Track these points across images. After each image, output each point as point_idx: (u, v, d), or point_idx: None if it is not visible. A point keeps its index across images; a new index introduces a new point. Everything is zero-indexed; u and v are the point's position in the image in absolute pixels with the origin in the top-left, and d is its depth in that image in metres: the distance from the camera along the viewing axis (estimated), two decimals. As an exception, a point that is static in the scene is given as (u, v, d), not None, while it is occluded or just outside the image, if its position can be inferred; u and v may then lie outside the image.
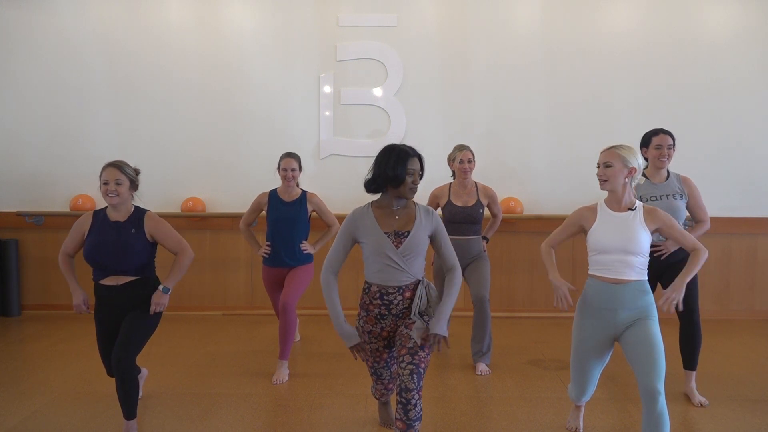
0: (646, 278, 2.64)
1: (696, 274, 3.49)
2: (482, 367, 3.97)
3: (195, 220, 5.50)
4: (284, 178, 4.02)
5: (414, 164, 2.62)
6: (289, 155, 4.07)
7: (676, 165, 3.59)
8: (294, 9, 5.46)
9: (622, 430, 3.16)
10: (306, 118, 5.52)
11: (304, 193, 4.11)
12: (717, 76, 5.38)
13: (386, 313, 2.66)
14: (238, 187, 5.49)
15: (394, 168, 2.59)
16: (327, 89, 5.51)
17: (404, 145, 2.68)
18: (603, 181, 2.65)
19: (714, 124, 5.39)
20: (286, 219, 3.98)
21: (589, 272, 2.69)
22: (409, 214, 2.68)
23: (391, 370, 2.83)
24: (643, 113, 5.37)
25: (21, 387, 3.69)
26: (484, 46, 5.44)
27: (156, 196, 5.24)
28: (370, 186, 2.68)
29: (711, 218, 3.56)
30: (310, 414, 3.33)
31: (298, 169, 4.06)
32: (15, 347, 4.56)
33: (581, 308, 2.73)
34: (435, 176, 5.04)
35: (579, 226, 2.73)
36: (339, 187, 5.44)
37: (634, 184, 2.65)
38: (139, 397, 3.37)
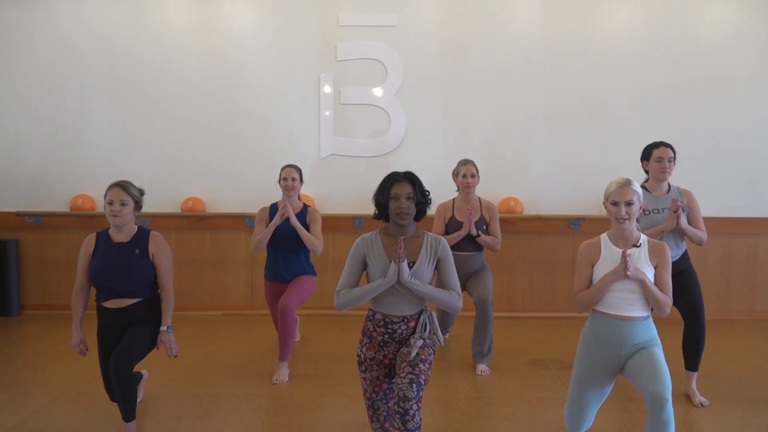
0: (650, 314, 2.62)
1: (696, 276, 3.53)
2: (482, 367, 3.96)
3: (195, 220, 5.50)
4: (285, 188, 3.98)
5: (399, 188, 2.51)
6: (290, 166, 4.04)
7: (676, 165, 3.58)
8: (294, 9, 5.46)
9: (622, 430, 3.16)
10: (306, 118, 5.52)
11: (305, 207, 4.05)
12: (717, 76, 5.37)
13: (390, 340, 2.59)
14: (238, 187, 5.49)
15: (376, 194, 2.56)
16: (327, 89, 5.50)
17: (403, 171, 2.59)
18: (624, 220, 2.55)
19: (714, 124, 5.39)
20: (286, 233, 3.90)
21: (594, 307, 2.67)
22: (417, 243, 2.60)
23: (389, 405, 2.71)
24: (644, 113, 5.37)
25: (21, 387, 3.69)
26: (484, 46, 5.43)
27: (156, 196, 5.23)
28: (375, 213, 2.64)
29: (711, 218, 3.60)
30: (310, 414, 3.33)
31: (299, 179, 4.01)
32: (15, 347, 4.56)
33: (585, 340, 2.70)
34: (435, 177, 5.05)
35: (590, 262, 2.65)
36: (339, 187, 5.44)
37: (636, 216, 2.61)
38: (139, 400, 3.37)
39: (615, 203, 2.57)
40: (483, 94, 5.46)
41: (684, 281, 3.44)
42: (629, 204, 2.55)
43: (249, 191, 5.39)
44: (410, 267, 2.53)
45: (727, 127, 5.39)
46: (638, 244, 2.59)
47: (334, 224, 5.34)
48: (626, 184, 2.57)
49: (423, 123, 5.49)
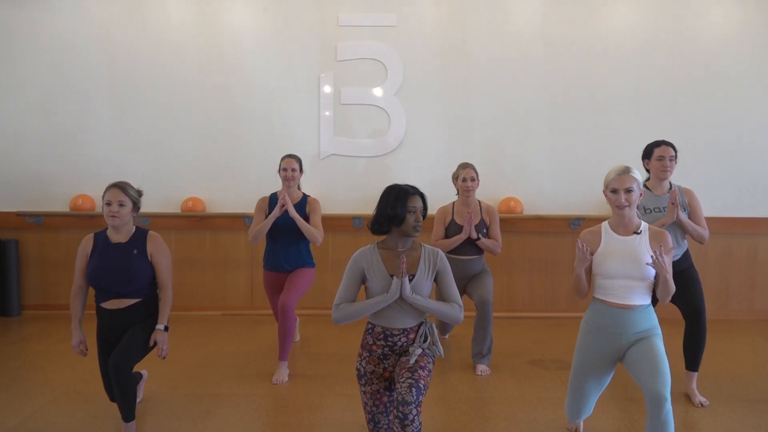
0: (650, 302, 2.63)
1: (698, 276, 3.52)
2: (482, 367, 3.96)
3: (195, 220, 5.50)
4: (284, 179, 3.99)
5: (415, 202, 2.54)
6: (290, 156, 4.05)
7: (677, 164, 3.58)
8: (294, 9, 5.46)
9: (622, 429, 3.16)
10: (306, 117, 5.51)
11: (305, 197, 4.06)
12: (717, 75, 5.37)
13: (390, 353, 2.59)
14: (238, 187, 5.49)
15: (393, 207, 2.52)
16: (327, 89, 5.50)
17: (406, 184, 2.62)
18: (624, 207, 2.58)
19: (714, 123, 5.38)
20: (286, 223, 3.90)
21: (594, 295, 2.67)
22: (415, 256, 2.60)
23: (389, 418, 2.69)
24: (644, 112, 5.37)
25: (21, 387, 3.69)
26: (484, 46, 5.43)
27: (156, 196, 5.24)
28: (374, 227, 2.60)
29: (711, 218, 3.59)
30: (310, 414, 3.33)
31: (298, 169, 4.02)
32: (15, 347, 4.56)
33: (585, 328, 2.71)
34: (435, 177, 5.06)
35: (590, 251, 2.67)
36: (339, 187, 5.44)
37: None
38: (139, 400, 3.37)
39: (615, 191, 2.59)
40: (483, 94, 5.46)
41: (685, 280, 3.44)
42: (629, 191, 2.57)
43: (249, 191, 5.37)
44: (409, 280, 2.54)
45: (727, 126, 5.38)
46: (639, 231, 2.60)
47: (334, 224, 5.34)
48: (625, 171, 2.59)
49: (423, 123, 5.48)
